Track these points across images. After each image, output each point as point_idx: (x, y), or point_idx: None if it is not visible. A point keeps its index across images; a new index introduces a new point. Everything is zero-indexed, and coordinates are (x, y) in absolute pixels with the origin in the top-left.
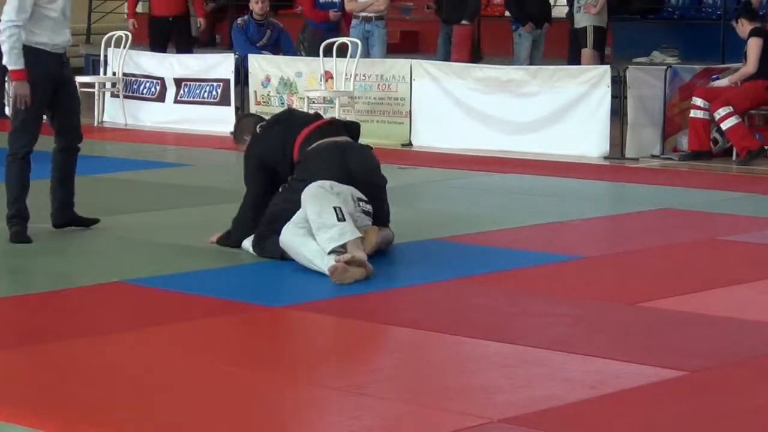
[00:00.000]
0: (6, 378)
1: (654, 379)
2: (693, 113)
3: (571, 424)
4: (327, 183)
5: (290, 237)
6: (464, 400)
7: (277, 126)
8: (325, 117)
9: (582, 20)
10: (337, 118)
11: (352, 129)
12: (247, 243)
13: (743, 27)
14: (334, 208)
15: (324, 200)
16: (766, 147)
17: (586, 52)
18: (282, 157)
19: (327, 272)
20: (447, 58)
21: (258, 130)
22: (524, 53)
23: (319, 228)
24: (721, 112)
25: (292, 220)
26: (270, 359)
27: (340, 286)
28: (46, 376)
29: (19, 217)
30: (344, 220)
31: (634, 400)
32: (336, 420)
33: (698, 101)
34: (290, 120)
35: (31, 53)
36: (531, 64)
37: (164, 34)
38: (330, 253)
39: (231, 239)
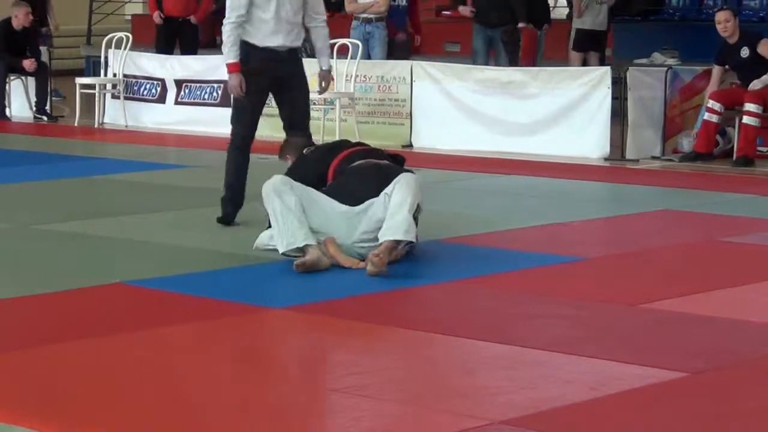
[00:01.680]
0: (6, 379)
1: (655, 381)
2: (708, 116)
3: (572, 426)
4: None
5: (272, 185)
6: (465, 402)
7: (323, 148)
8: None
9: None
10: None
11: (396, 158)
12: (265, 239)
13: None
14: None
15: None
16: (763, 149)
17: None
18: (317, 174)
19: (281, 242)
20: (487, 62)
21: (305, 152)
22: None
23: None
24: (751, 107)
25: (284, 176)
26: (270, 361)
27: (340, 287)
28: (46, 378)
29: (231, 201)
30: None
31: (635, 402)
32: (336, 421)
33: (716, 105)
34: (338, 144)
35: (242, 49)
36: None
37: (173, 34)
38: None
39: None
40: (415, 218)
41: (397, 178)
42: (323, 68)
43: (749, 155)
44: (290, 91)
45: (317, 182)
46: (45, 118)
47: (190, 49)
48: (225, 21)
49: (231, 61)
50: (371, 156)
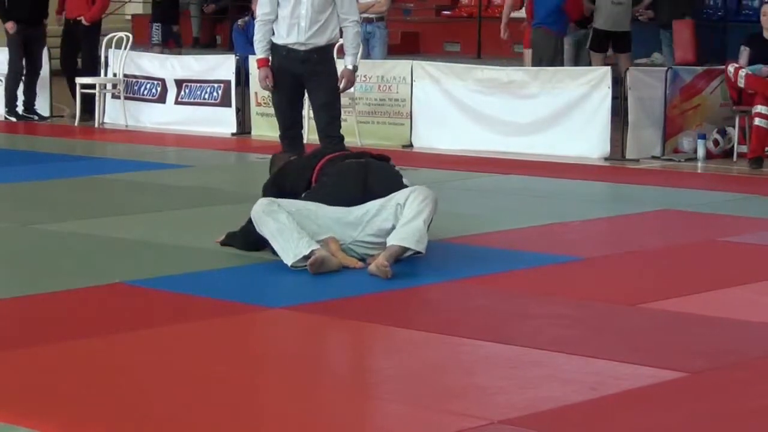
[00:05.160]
0: (6, 379)
1: (654, 381)
2: (761, 122)
3: (572, 426)
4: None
5: (261, 208)
6: (464, 401)
7: (307, 155)
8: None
9: None
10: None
11: (381, 158)
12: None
13: None
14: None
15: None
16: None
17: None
18: (301, 178)
19: (287, 256)
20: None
21: (291, 158)
22: (567, 54)
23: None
24: (762, 110)
25: (268, 198)
26: (269, 361)
27: (340, 287)
28: (47, 378)
29: None
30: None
31: (635, 402)
32: (337, 421)
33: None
34: (320, 150)
35: (271, 47)
36: (576, 65)
37: (71, 35)
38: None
39: (234, 242)
40: (427, 229)
41: (413, 188)
42: (346, 67)
43: (762, 156)
44: (311, 92)
45: (303, 189)
46: (36, 117)
47: (86, 50)
48: (257, 18)
49: (257, 56)
50: (351, 156)
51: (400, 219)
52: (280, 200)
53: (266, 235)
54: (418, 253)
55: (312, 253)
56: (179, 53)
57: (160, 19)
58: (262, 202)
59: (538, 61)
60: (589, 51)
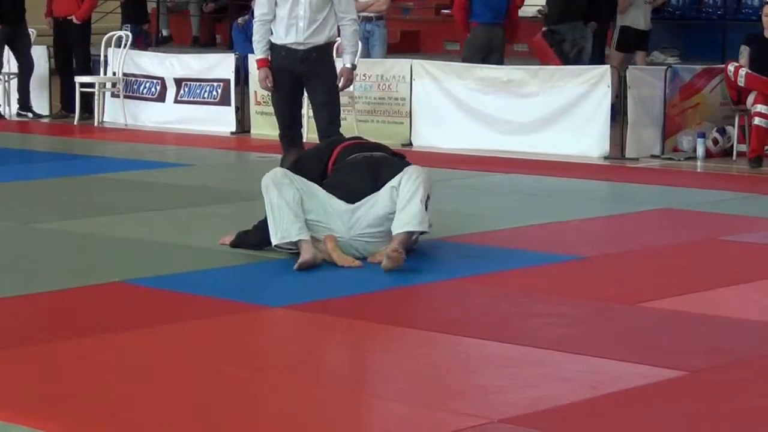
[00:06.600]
0: (7, 379)
1: (654, 380)
2: (760, 122)
3: (572, 425)
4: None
5: (273, 177)
6: (464, 400)
7: (320, 147)
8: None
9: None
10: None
11: (397, 155)
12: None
13: None
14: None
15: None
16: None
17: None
18: (318, 167)
19: (275, 233)
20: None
21: (302, 154)
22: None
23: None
24: (762, 109)
25: (285, 169)
26: (270, 360)
27: (339, 286)
28: (47, 377)
29: None
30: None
31: (635, 401)
32: (337, 420)
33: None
34: (334, 140)
35: (270, 47)
36: (579, 63)
37: (61, 34)
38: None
39: (247, 239)
40: (426, 207)
41: (405, 170)
42: (345, 65)
43: (762, 155)
44: (310, 91)
45: (319, 178)
46: (30, 114)
47: (78, 49)
48: (255, 18)
49: (257, 57)
50: (366, 149)
51: (397, 203)
52: (294, 175)
53: (266, 203)
54: (424, 232)
55: (300, 242)
56: (147, 50)
57: (128, 19)
58: (276, 172)
59: (481, 58)
60: (611, 51)
